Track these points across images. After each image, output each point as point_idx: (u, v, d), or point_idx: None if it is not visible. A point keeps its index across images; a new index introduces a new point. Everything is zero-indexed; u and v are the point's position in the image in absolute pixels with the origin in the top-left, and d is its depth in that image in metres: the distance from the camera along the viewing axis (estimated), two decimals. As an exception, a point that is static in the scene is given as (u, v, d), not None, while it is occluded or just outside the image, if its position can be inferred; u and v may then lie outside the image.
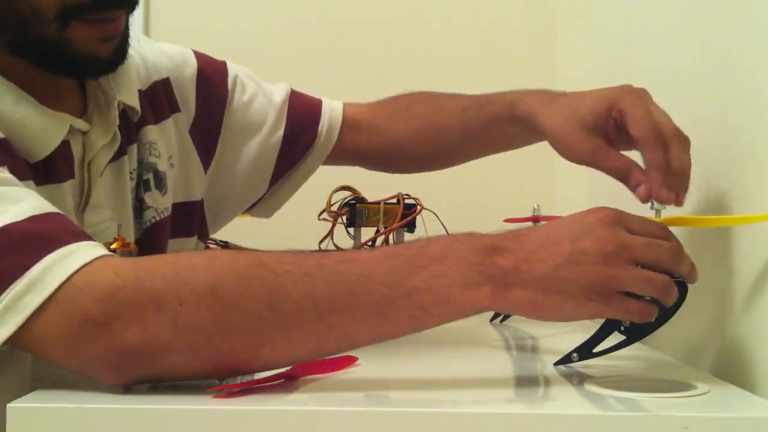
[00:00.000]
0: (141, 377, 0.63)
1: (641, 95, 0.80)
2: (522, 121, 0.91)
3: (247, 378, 0.65)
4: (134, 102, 0.88)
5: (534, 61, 1.59)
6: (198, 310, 0.61)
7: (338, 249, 0.93)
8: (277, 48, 1.59)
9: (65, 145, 0.81)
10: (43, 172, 0.78)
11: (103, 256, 0.64)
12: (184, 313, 0.61)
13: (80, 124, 0.83)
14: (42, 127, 0.78)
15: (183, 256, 0.65)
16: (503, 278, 0.64)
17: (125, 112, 0.88)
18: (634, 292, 0.66)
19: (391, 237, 0.91)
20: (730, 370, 0.75)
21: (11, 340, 0.62)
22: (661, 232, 0.68)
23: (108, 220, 0.84)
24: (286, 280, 0.63)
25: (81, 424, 0.57)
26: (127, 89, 0.88)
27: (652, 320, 0.67)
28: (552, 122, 0.86)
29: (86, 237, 0.66)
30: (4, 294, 0.61)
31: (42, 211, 0.67)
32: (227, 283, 0.62)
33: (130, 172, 0.89)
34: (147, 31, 1.60)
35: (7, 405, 0.57)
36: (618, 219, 0.66)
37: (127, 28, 0.82)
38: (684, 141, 0.77)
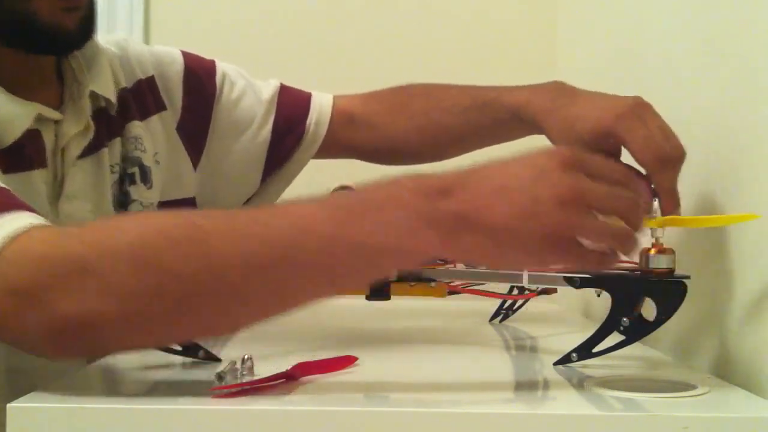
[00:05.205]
0: (81, 349, 0.61)
1: (638, 115, 0.79)
2: (527, 123, 0.91)
3: (247, 378, 0.65)
4: (107, 92, 0.90)
5: (534, 60, 1.59)
6: (125, 275, 0.59)
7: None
8: (278, 46, 1.59)
9: (36, 134, 0.83)
10: (11, 159, 0.80)
11: (33, 226, 0.62)
12: (111, 279, 0.59)
13: (50, 113, 0.85)
14: (6, 114, 0.81)
15: (114, 220, 0.64)
16: (451, 224, 0.59)
17: (106, 107, 0.90)
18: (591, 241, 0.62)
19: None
20: (730, 370, 0.75)
21: None
22: (621, 175, 0.64)
23: (86, 211, 0.86)
24: (218, 240, 0.60)
25: (81, 424, 0.57)
26: (100, 80, 0.90)
27: (611, 269, 0.64)
28: (554, 135, 0.87)
29: (18, 207, 0.64)
30: None
31: None
32: (156, 246, 0.59)
33: (112, 166, 0.90)
34: (147, 31, 1.60)
35: (7, 405, 0.57)
36: (576, 161, 0.61)
37: (92, 2, 0.85)
38: (681, 162, 0.77)
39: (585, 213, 0.61)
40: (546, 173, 0.60)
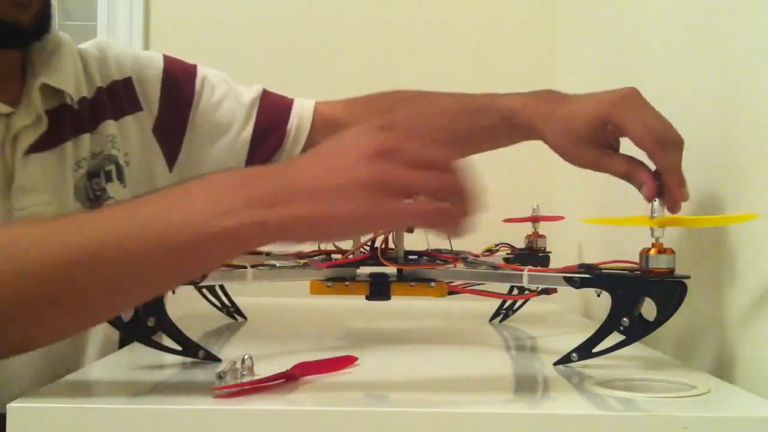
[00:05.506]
0: None
1: (632, 102, 0.80)
2: (521, 129, 0.91)
3: (247, 378, 0.65)
4: (66, 86, 0.92)
5: (534, 62, 1.59)
6: None
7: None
8: (278, 47, 1.59)
9: None
10: None
11: None
12: None
13: None
14: None
15: None
16: (271, 198, 0.59)
17: (70, 102, 0.92)
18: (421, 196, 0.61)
19: (390, 237, 0.91)
20: (730, 370, 0.75)
21: None
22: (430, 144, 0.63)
23: (42, 204, 0.87)
24: (54, 237, 0.60)
25: (81, 424, 0.57)
26: (59, 74, 0.92)
27: (455, 229, 0.61)
28: (552, 138, 0.87)
29: None
30: None
31: None
32: None
33: (78, 161, 0.92)
34: (147, 31, 1.60)
35: (7, 405, 0.57)
36: (386, 124, 0.62)
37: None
38: (681, 146, 0.77)
39: (400, 163, 0.60)
40: (357, 136, 0.62)
